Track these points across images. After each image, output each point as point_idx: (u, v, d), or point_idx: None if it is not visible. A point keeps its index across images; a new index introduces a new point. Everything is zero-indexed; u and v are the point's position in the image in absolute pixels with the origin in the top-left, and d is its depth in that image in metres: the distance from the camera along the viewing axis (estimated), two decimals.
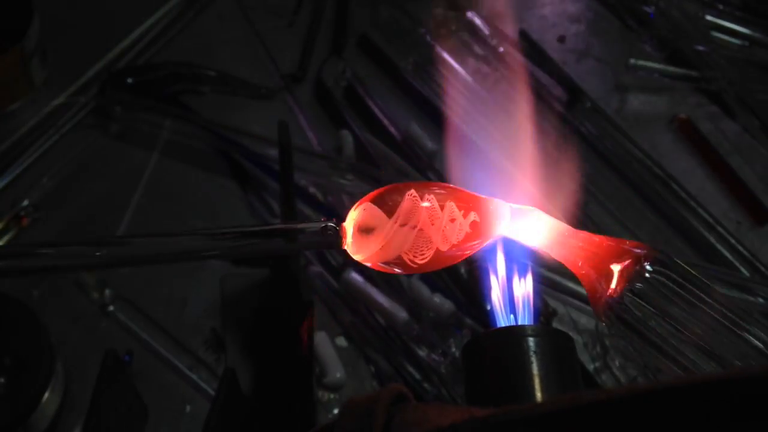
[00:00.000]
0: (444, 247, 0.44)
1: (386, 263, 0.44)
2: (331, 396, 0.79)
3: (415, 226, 0.43)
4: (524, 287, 0.48)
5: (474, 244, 0.45)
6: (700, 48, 1.07)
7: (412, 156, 0.93)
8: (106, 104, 0.94)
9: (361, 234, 0.43)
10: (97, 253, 0.40)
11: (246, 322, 0.82)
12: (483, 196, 0.46)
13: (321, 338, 0.81)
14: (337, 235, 0.44)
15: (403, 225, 0.43)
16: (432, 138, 0.96)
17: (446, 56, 1.03)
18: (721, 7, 1.13)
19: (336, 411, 0.79)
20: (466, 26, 1.06)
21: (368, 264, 0.44)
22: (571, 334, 0.46)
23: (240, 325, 0.82)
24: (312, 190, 0.90)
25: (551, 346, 0.44)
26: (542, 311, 0.85)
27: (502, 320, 0.48)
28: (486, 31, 1.05)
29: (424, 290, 0.82)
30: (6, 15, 0.91)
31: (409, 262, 0.43)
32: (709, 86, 1.06)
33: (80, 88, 0.96)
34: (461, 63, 1.02)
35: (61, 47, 0.99)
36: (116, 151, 0.93)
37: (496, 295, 0.48)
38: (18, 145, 0.91)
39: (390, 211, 0.43)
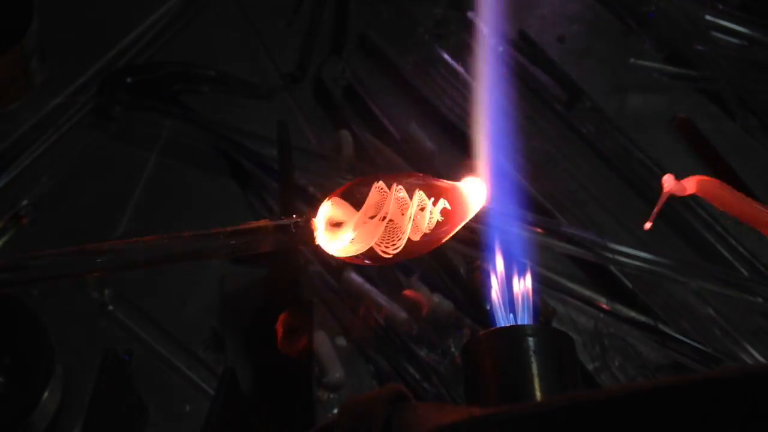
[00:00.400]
0: (416, 236, 0.44)
1: (359, 255, 0.44)
2: (331, 395, 0.79)
3: (383, 218, 0.43)
4: (523, 287, 0.48)
5: (445, 230, 0.45)
6: (700, 48, 1.07)
7: (412, 156, 0.93)
8: (106, 104, 0.94)
9: (332, 228, 0.44)
10: (98, 260, 0.40)
11: (246, 322, 0.82)
12: (453, 182, 0.46)
13: (321, 338, 0.81)
14: (307, 231, 0.44)
15: (371, 217, 0.43)
16: (432, 138, 0.96)
17: (446, 56, 1.03)
18: (720, 6, 1.12)
19: (335, 410, 0.79)
20: (466, 26, 1.06)
21: (341, 257, 0.45)
22: (570, 333, 0.46)
23: (240, 324, 0.82)
24: (311, 189, 0.90)
25: (551, 345, 0.44)
26: (542, 311, 0.85)
27: (502, 320, 0.48)
28: (486, 31, 1.05)
29: (424, 290, 0.82)
30: (6, 15, 0.91)
31: (382, 253, 0.44)
32: (708, 86, 1.06)
33: (79, 87, 0.95)
34: (461, 63, 1.02)
35: (61, 47, 0.99)
36: (116, 151, 0.93)
37: (496, 295, 0.48)
38: (17, 144, 0.90)
39: (359, 204, 0.43)
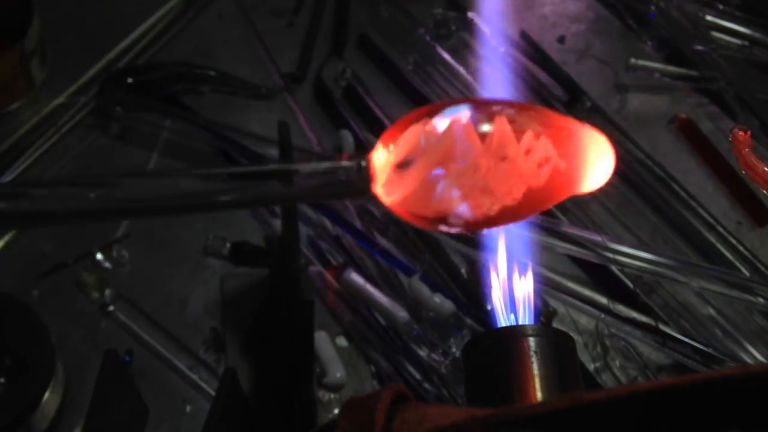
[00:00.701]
0: (537, 182, 0.29)
1: (435, 216, 0.30)
2: (332, 396, 0.79)
3: (492, 157, 0.28)
4: (525, 287, 0.48)
5: (561, 189, 0.30)
6: (700, 48, 1.07)
7: None
8: (106, 104, 0.94)
9: (398, 171, 0.30)
10: (91, 195, 0.34)
11: (246, 322, 0.82)
12: (580, 124, 0.31)
13: (321, 338, 0.81)
14: (364, 174, 0.30)
15: (464, 157, 0.28)
16: None
17: (446, 56, 1.03)
18: (721, 7, 1.12)
19: (336, 411, 0.79)
20: (466, 26, 1.06)
21: (406, 217, 0.31)
22: (571, 334, 0.46)
23: (240, 325, 0.82)
24: None
25: (551, 346, 0.44)
26: (542, 311, 0.85)
27: (503, 320, 0.48)
28: (486, 30, 1.05)
29: (425, 290, 0.82)
30: (6, 15, 0.91)
31: (476, 210, 0.29)
32: (709, 86, 1.06)
33: (80, 88, 0.95)
34: (461, 63, 1.02)
35: (61, 47, 0.99)
36: (116, 151, 0.93)
37: (497, 295, 0.48)
38: (18, 145, 0.90)
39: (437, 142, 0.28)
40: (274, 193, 0.34)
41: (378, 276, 0.85)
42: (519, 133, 0.29)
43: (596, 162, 0.31)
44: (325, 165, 0.31)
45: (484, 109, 0.30)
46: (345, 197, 0.34)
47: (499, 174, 0.29)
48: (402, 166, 0.30)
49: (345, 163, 0.30)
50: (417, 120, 0.30)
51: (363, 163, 0.30)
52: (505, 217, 0.30)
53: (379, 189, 0.30)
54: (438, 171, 0.28)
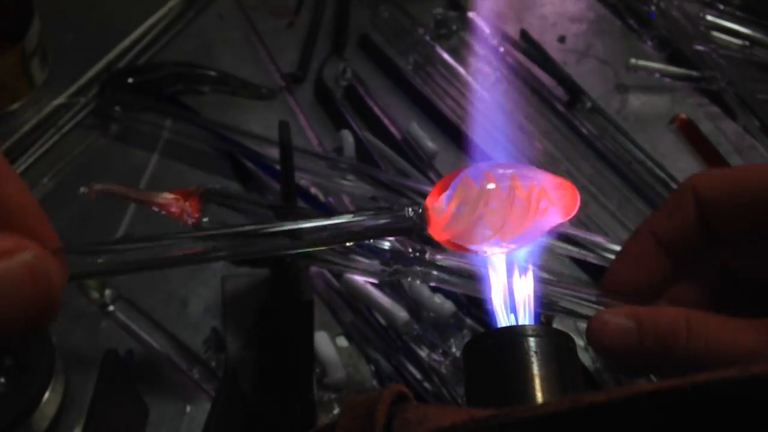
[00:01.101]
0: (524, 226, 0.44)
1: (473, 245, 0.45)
2: (332, 396, 0.79)
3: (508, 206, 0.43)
4: (525, 287, 0.48)
5: (549, 223, 0.45)
6: (700, 48, 1.07)
7: (412, 156, 0.93)
8: (106, 104, 0.94)
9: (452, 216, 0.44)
10: (99, 261, 0.39)
11: (247, 322, 0.82)
12: (555, 178, 0.46)
13: (321, 338, 0.81)
14: (423, 218, 0.44)
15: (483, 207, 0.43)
16: (432, 138, 0.96)
17: (446, 56, 1.03)
18: (721, 7, 1.13)
19: (336, 411, 0.79)
20: (466, 26, 1.06)
21: (453, 248, 0.45)
22: (571, 334, 0.46)
23: (241, 325, 0.82)
24: (313, 190, 0.90)
25: (552, 346, 0.43)
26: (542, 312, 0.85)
27: (503, 320, 0.48)
28: (486, 31, 1.05)
29: (425, 290, 0.82)
30: (6, 15, 0.91)
31: (501, 240, 0.44)
32: (709, 86, 1.06)
33: (80, 88, 0.96)
34: (461, 63, 1.02)
35: (61, 47, 0.99)
36: (116, 151, 0.93)
37: (497, 296, 0.48)
38: (18, 145, 0.91)
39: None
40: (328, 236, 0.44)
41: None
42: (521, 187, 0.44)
43: (569, 202, 0.46)
44: (383, 219, 0.44)
45: (500, 170, 0.44)
46: (404, 235, 0.50)
47: (516, 214, 0.44)
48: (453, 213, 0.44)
49: (407, 210, 0.44)
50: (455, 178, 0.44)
51: (420, 211, 0.44)
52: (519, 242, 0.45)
53: (433, 230, 0.45)
54: (477, 215, 0.43)
